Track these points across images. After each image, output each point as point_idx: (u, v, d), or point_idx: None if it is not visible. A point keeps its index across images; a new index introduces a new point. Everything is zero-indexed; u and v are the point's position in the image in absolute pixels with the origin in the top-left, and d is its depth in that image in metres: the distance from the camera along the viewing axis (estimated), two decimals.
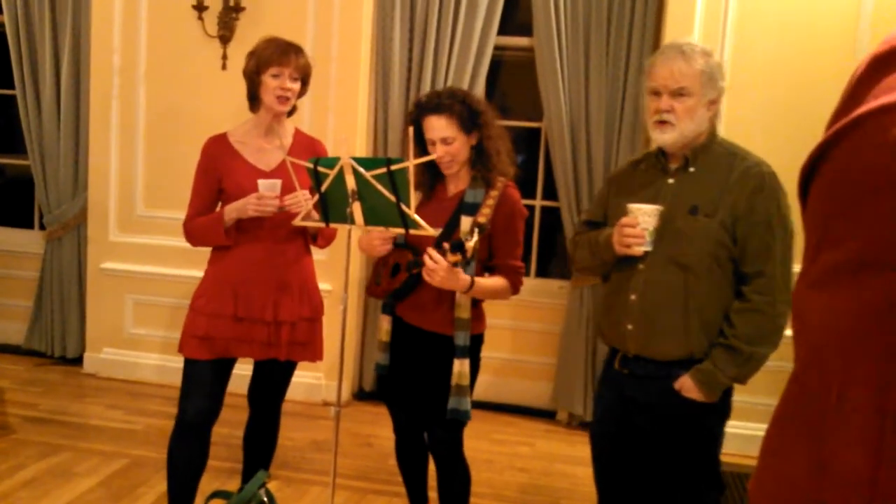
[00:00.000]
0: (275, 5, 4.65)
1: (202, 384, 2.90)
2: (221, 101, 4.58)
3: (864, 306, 0.75)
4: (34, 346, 5.32)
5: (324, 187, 2.46)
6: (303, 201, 2.71)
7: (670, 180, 2.43)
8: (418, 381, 2.90)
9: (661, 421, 2.46)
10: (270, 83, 2.86)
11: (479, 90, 4.60)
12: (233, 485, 3.38)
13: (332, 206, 2.52)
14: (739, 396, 2.55)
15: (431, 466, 3.10)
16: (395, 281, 2.87)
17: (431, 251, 2.52)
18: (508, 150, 2.86)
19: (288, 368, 3.08)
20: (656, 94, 2.38)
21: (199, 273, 3.04)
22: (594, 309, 4.67)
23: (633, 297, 2.43)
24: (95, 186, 4.99)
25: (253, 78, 2.90)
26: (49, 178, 5.14)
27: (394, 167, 2.30)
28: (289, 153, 2.78)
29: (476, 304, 2.84)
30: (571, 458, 4.29)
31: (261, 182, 2.77)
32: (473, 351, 2.83)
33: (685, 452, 2.46)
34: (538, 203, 4.96)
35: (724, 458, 2.56)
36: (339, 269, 4.67)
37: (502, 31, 4.67)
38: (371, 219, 2.45)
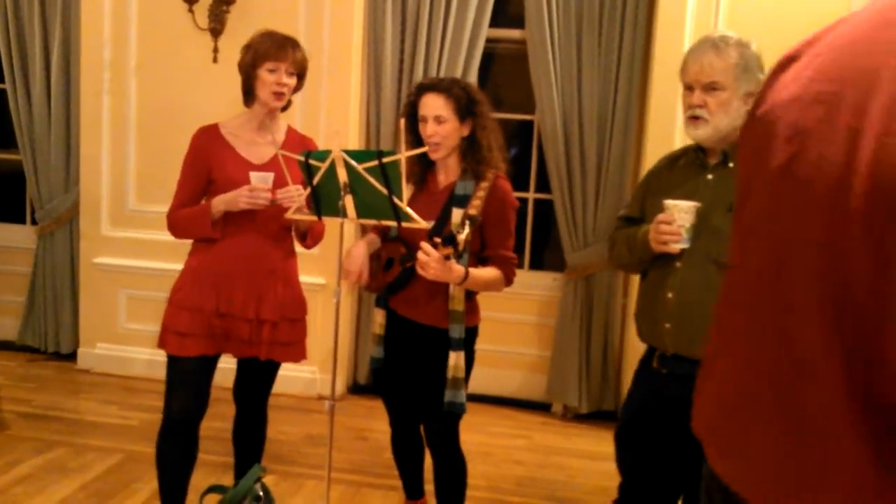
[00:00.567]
0: None
1: (187, 381, 2.85)
2: (213, 95, 4.57)
3: None
4: (27, 341, 5.30)
5: (315, 180, 2.45)
6: (295, 195, 2.67)
7: (709, 176, 2.37)
8: (413, 374, 2.89)
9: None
10: (266, 78, 2.80)
11: (472, 82, 4.58)
12: (228, 479, 3.37)
13: (324, 200, 2.51)
14: None
15: (427, 459, 3.11)
16: (388, 275, 2.87)
17: (425, 245, 2.51)
18: (500, 145, 2.85)
19: (272, 366, 3.02)
20: (689, 88, 2.34)
21: None
22: (590, 297, 4.68)
23: (670, 294, 2.38)
24: (87, 181, 4.97)
25: (248, 72, 2.85)
26: (40, 173, 5.12)
27: (385, 160, 2.28)
28: (281, 149, 2.75)
29: (470, 297, 2.83)
30: (567, 451, 4.29)
31: (253, 174, 2.72)
32: (468, 343, 2.83)
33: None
34: (531, 195, 4.95)
35: None
36: (332, 263, 4.67)
37: (494, 23, 4.66)
38: (363, 212, 2.44)
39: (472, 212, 2.65)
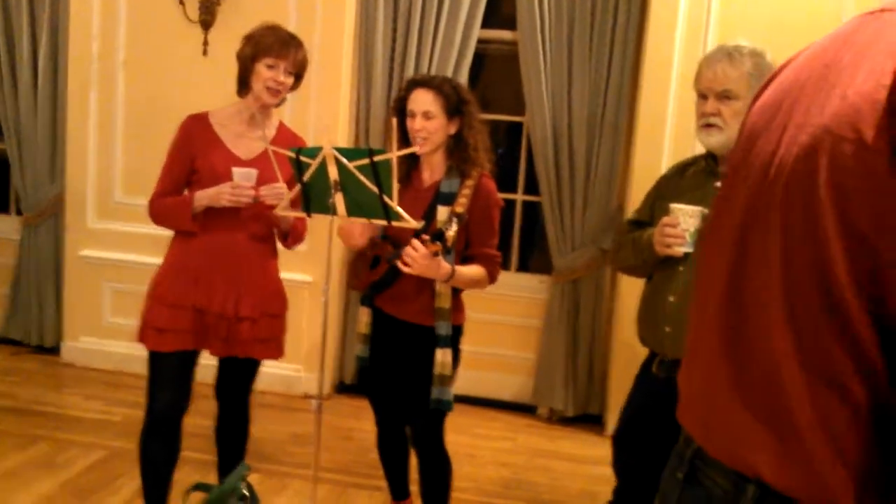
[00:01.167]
0: None
1: (168, 377, 2.83)
2: (202, 88, 4.53)
3: None
4: (11, 334, 5.25)
5: (306, 177, 2.43)
6: (280, 193, 2.65)
7: (718, 184, 2.37)
8: (399, 372, 2.89)
9: None
10: (263, 73, 2.76)
11: (462, 82, 4.57)
12: (212, 477, 3.34)
13: (313, 197, 2.49)
14: None
15: (413, 460, 3.10)
16: (374, 273, 2.86)
17: (415, 241, 2.51)
18: (487, 145, 2.86)
19: (252, 363, 2.99)
20: (703, 97, 2.36)
21: None
22: (577, 301, 4.68)
23: (671, 298, 2.40)
24: (73, 172, 4.93)
25: (246, 63, 2.80)
26: (26, 163, 5.07)
27: (377, 158, 2.27)
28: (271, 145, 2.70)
29: (456, 295, 2.83)
30: (553, 454, 4.29)
31: (235, 170, 2.68)
32: (454, 341, 2.84)
33: None
34: (519, 197, 4.94)
35: None
36: (319, 261, 4.64)
37: (486, 23, 4.65)
38: (353, 210, 2.43)
39: (459, 210, 2.67)
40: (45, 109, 4.99)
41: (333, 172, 2.35)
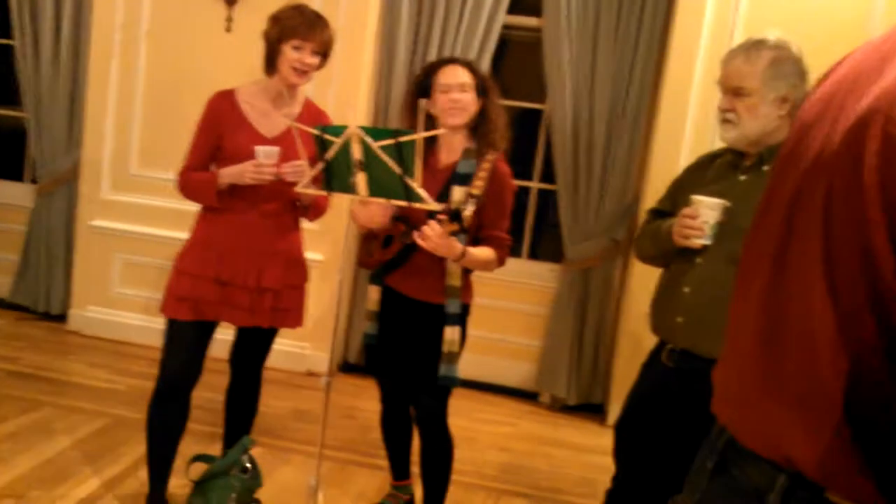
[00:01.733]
0: None
1: (183, 345, 2.87)
2: (224, 64, 4.54)
3: None
4: (18, 300, 5.27)
5: (329, 155, 2.43)
6: (302, 171, 2.67)
7: (742, 177, 2.37)
8: (407, 349, 2.91)
9: (699, 418, 2.40)
10: (290, 54, 2.78)
11: (485, 68, 4.57)
12: (214, 449, 3.37)
13: (335, 175, 2.49)
14: None
15: (415, 442, 3.11)
16: (387, 252, 2.88)
17: (432, 222, 2.53)
18: (506, 125, 2.90)
19: (270, 333, 3.06)
20: (722, 91, 2.36)
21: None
22: (586, 291, 4.68)
23: (686, 289, 2.39)
24: (90, 143, 4.93)
25: (273, 44, 2.82)
26: (43, 132, 5.07)
27: (402, 139, 2.27)
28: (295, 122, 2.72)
29: (466, 275, 2.87)
30: (554, 441, 4.31)
31: (258, 149, 2.70)
32: (462, 320, 2.87)
33: None
34: (535, 185, 4.94)
35: None
36: (330, 239, 4.67)
37: (510, 9, 4.63)
38: (375, 190, 2.43)
39: (476, 191, 2.69)
40: (65, 78, 4.99)
41: (357, 152, 2.35)
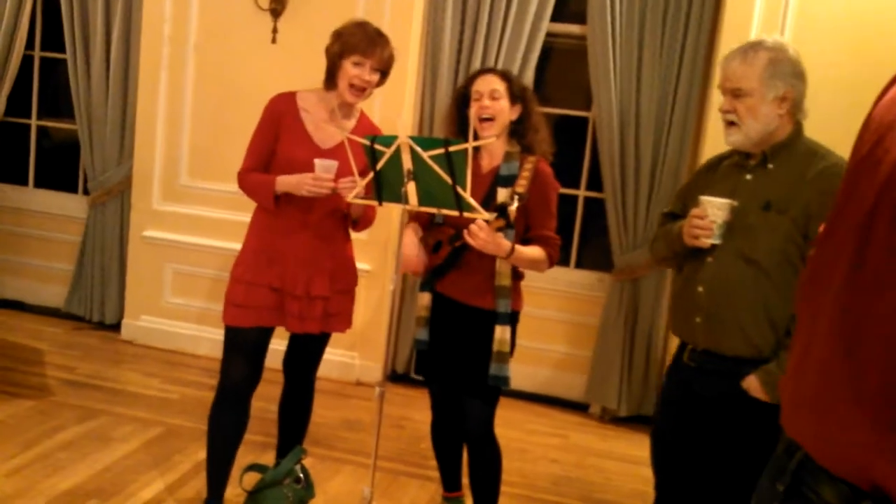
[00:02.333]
0: None
1: (243, 350, 2.92)
2: (270, 75, 4.58)
3: None
4: (73, 310, 5.37)
5: (379, 165, 2.43)
6: (357, 187, 2.69)
7: (748, 176, 2.41)
8: (458, 353, 2.92)
9: (724, 418, 2.42)
10: (350, 70, 2.81)
11: (529, 76, 4.56)
12: (266, 458, 3.40)
13: (385, 186, 2.50)
14: None
15: (466, 454, 3.10)
16: (437, 257, 2.90)
17: (479, 221, 2.56)
18: (548, 133, 2.94)
19: (322, 339, 3.10)
20: (723, 94, 2.40)
21: (240, 245, 3.03)
22: (636, 300, 4.63)
23: (700, 289, 2.43)
24: (141, 154, 5.02)
25: (334, 59, 2.85)
26: (95, 144, 5.18)
27: (452, 148, 2.27)
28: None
29: (516, 281, 2.89)
30: (604, 453, 4.26)
31: (318, 162, 2.73)
32: (512, 322, 2.88)
33: (739, 452, 2.40)
34: (582, 193, 4.90)
35: None
36: (377, 249, 4.68)
37: (554, 17, 4.61)
38: (425, 200, 2.43)
39: (520, 190, 2.72)
40: (116, 91, 5.08)
41: (407, 161, 2.35)
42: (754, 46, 2.35)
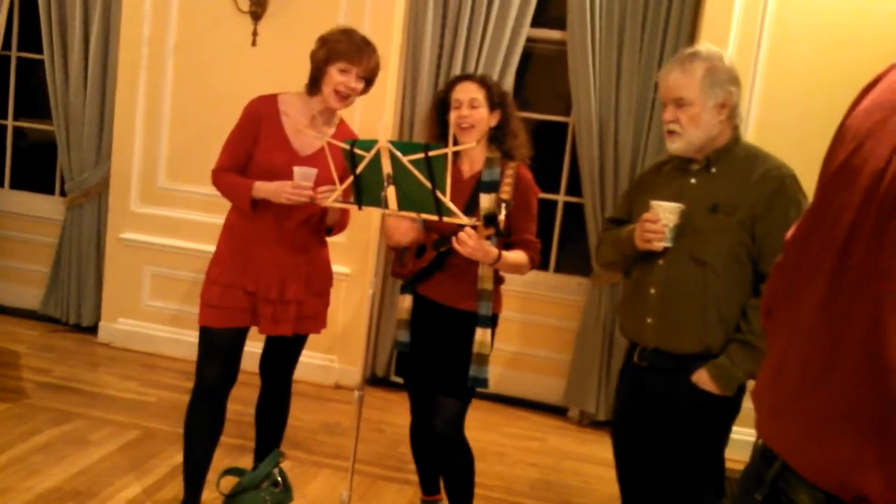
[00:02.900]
0: None
1: (218, 351, 2.91)
2: (250, 78, 4.57)
3: None
4: (49, 312, 5.32)
5: (359, 169, 2.44)
6: (336, 192, 2.68)
7: (692, 180, 2.50)
8: (438, 355, 2.93)
9: (676, 412, 2.52)
10: (336, 77, 2.80)
11: (509, 82, 4.57)
12: (243, 462, 3.39)
13: (365, 190, 2.50)
14: (748, 403, 2.55)
15: None
16: (421, 261, 2.91)
17: (468, 229, 2.60)
18: (526, 138, 2.97)
19: (299, 341, 3.09)
20: (664, 105, 2.49)
21: None
22: (615, 304, 4.65)
23: (652, 291, 2.51)
24: (119, 156, 4.99)
25: (319, 66, 2.84)
26: (73, 145, 5.13)
27: (432, 153, 2.27)
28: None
29: (496, 283, 2.92)
30: (583, 456, 4.28)
31: (297, 170, 2.72)
32: (492, 325, 2.92)
33: (693, 444, 2.52)
34: (561, 198, 4.93)
35: (728, 465, 2.60)
36: (357, 252, 4.68)
37: (534, 23, 4.63)
38: (405, 204, 2.43)
39: (505, 196, 2.75)
40: (93, 92, 5.05)
41: (387, 166, 2.36)
42: (690, 57, 2.43)
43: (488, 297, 2.86)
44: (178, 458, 3.23)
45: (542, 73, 5.16)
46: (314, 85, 2.89)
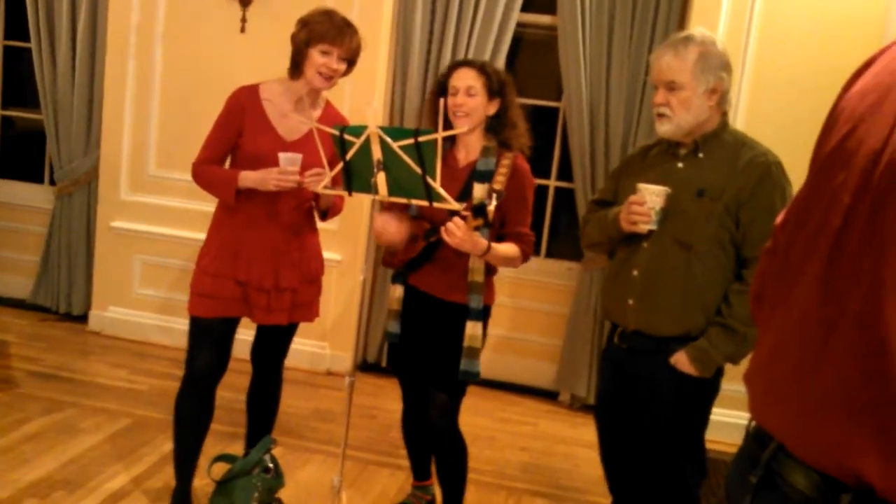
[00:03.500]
0: None
1: (208, 339, 2.91)
2: (239, 65, 4.55)
3: None
4: (40, 301, 5.30)
5: (349, 156, 2.43)
6: (323, 177, 2.67)
7: (679, 164, 2.52)
8: (429, 347, 2.92)
9: (656, 394, 2.55)
10: (317, 59, 2.77)
11: (500, 66, 4.55)
12: (234, 449, 3.39)
13: (355, 176, 2.49)
14: (727, 385, 2.61)
15: None
16: (411, 250, 2.88)
17: (456, 219, 2.54)
18: (526, 127, 2.92)
19: (290, 328, 3.09)
20: (656, 88, 2.50)
21: None
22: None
23: (635, 272, 2.53)
24: (108, 144, 4.96)
25: (300, 48, 2.81)
26: (61, 134, 5.10)
27: (422, 139, 2.27)
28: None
29: (488, 276, 2.89)
30: (573, 440, 4.30)
31: (282, 156, 2.70)
32: (483, 318, 2.88)
33: (673, 425, 2.55)
34: (552, 183, 4.93)
35: (708, 446, 2.64)
36: (348, 239, 4.68)
37: (524, 7, 4.61)
38: (395, 190, 2.43)
39: (498, 186, 2.71)
40: (82, 80, 5.02)
41: (377, 152, 2.35)
42: (684, 41, 2.43)
43: (479, 289, 2.82)
44: (169, 445, 3.23)
45: (532, 57, 5.15)
46: (296, 68, 2.86)
